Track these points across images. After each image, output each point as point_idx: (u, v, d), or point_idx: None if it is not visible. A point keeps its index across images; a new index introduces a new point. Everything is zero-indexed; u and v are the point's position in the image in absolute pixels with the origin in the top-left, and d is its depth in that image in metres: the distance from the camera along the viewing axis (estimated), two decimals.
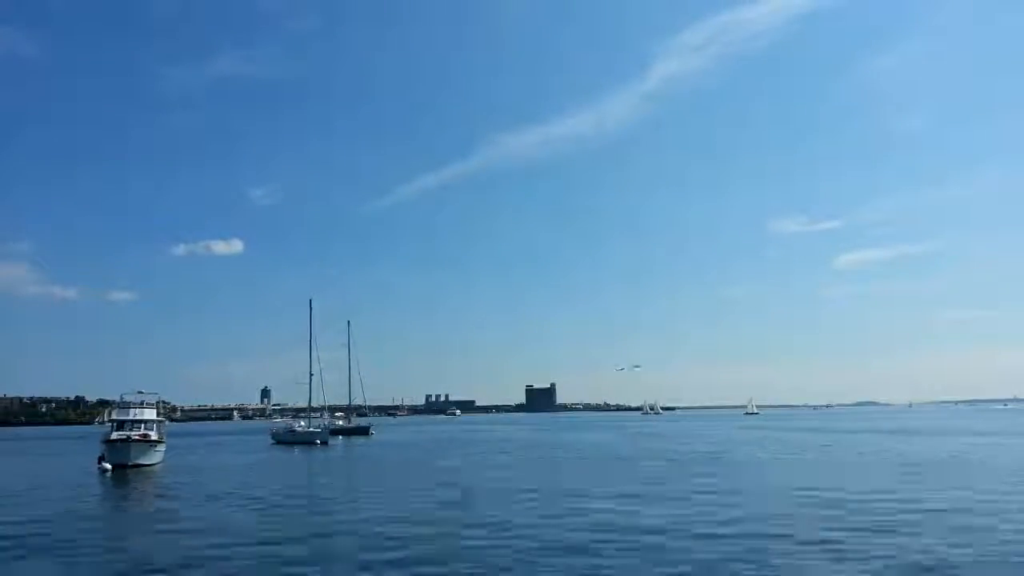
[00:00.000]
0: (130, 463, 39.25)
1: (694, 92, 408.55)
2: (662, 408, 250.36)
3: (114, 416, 46.03)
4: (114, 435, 41.37)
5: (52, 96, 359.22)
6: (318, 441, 65.90)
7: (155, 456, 42.46)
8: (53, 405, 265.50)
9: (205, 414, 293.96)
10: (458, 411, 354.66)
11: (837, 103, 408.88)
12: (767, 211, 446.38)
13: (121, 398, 48.99)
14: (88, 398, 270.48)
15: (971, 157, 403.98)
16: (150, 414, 45.39)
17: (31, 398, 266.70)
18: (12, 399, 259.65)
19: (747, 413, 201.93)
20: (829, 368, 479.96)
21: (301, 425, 74.38)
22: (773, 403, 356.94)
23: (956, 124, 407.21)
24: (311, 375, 75.45)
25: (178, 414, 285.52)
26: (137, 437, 41.19)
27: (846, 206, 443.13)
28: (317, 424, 74.96)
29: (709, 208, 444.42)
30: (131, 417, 44.03)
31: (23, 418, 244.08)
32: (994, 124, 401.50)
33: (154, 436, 42.89)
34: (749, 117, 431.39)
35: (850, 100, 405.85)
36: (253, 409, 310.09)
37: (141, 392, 49.61)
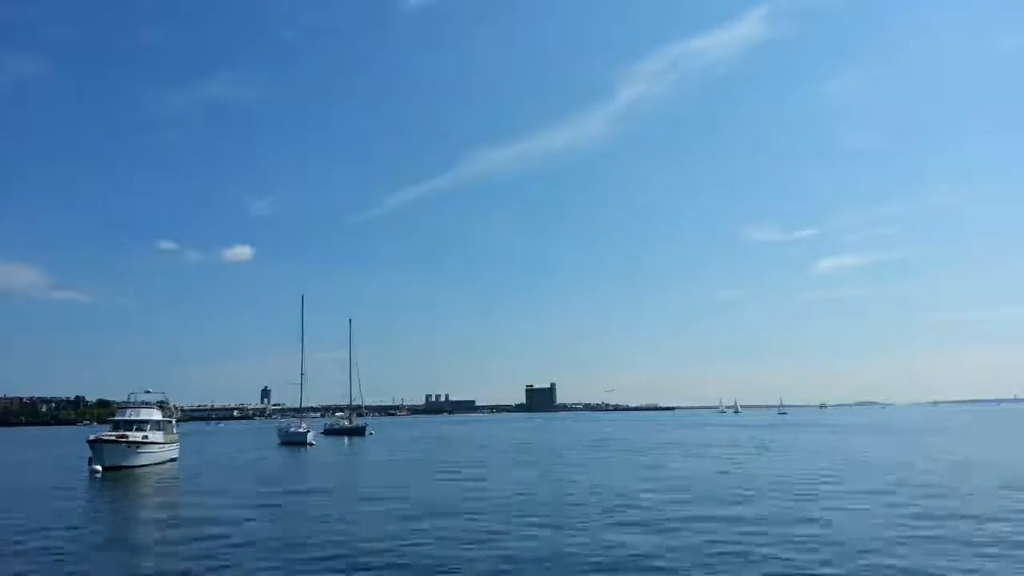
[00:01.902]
0: (105, 465, 38.09)
1: (659, 113, 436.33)
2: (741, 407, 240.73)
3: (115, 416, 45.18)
4: (92, 436, 40.41)
5: (55, 116, 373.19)
6: (312, 442, 66.40)
7: (142, 458, 40.71)
8: (53, 405, 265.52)
9: (205, 414, 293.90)
10: (484, 411, 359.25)
11: (796, 122, 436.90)
12: (744, 221, 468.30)
13: (129, 397, 48.40)
14: (88, 398, 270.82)
15: (923, 171, 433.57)
16: (147, 414, 44.24)
17: (31, 398, 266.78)
18: (12, 399, 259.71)
19: (780, 412, 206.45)
20: (820, 369, 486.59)
21: (303, 427, 74.51)
22: (769, 403, 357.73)
23: (907, 140, 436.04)
24: (302, 374, 75.27)
25: (178, 414, 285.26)
26: (113, 438, 39.83)
27: (818, 216, 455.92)
28: (308, 425, 75.10)
29: (693, 215, 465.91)
30: (126, 417, 43.30)
31: (23, 418, 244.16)
32: (940, 142, 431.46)
33: (139, 437, 41.18)
34: (714, 135, 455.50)
35: (808, 119, 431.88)
36: (253, 409, 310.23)
37: (149, 391, 49.19)
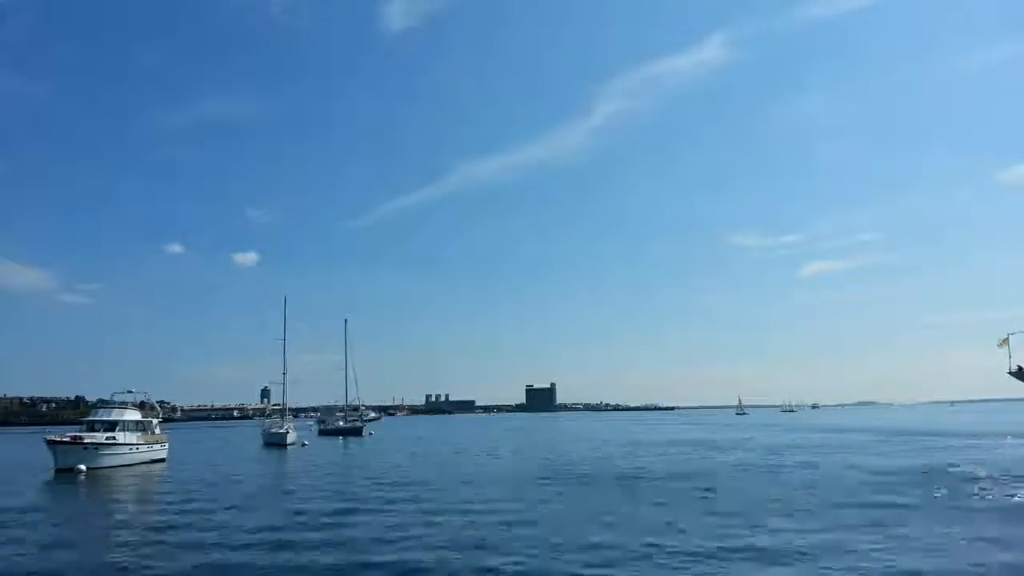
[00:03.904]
0: (59, 467, 37.70)
1: (638, 127, 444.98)
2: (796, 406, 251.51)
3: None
4: (48, 437, 39.97)
5: (63, 130, 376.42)
6: (304, 443, 66.23)
7: (105, 460, 39.87)
8: (53, 405, 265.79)
9: (205, 414, 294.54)
10: (495, 410, 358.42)
11: (770, 134, 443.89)
12: (729, 228, 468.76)
13: (112, 396, 47.76)
14: (88, 398, 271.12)
15: (900, 179, 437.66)
16: (119, 414, 43.44)
17: (31, 398, 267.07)
18: (12, 399, 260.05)
19: (737, 412, 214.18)
20: (823, 370, 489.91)
21: (284, 427, 73.85)
22: (770, 403, 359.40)
23: (881, 150, 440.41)
24: (284, 374, 75.10)
25: (178, 414, 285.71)
26: (67, 439, 39.22)
27: (799, 223, 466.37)
28: (300, 424, 74.40)
29: (681, 222, 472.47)
30: (98, 418, 42.77)
31: (23, 418, 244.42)
32: (914, 150, 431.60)
33: (101, 438, 40.47)
34: (692, 148, 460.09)
35: (782, 132, 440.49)
36: (253, 409, 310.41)
37: (131, 391, 48.58)
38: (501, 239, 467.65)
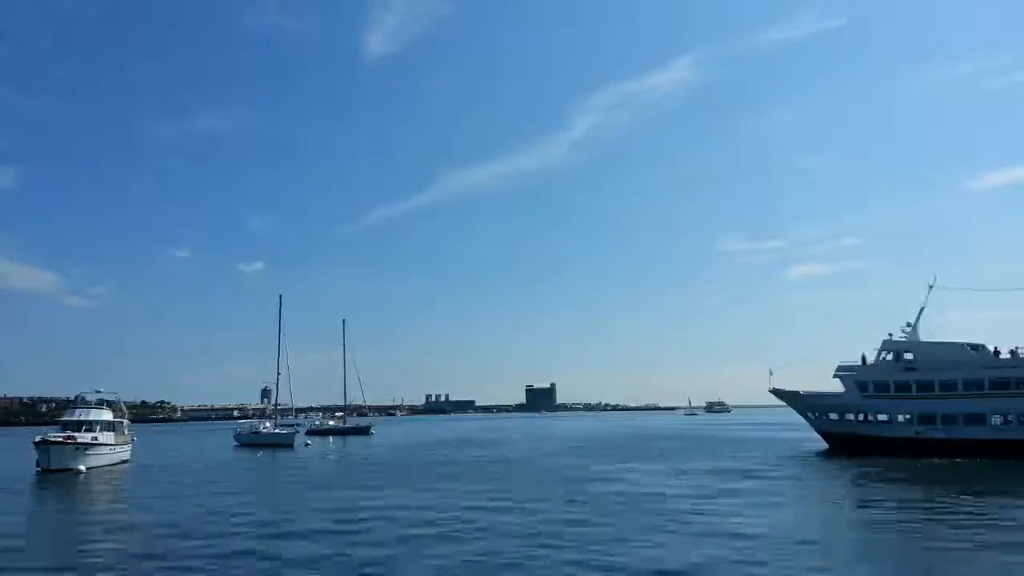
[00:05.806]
0: (50, 467, 37.16)
1: (619, 140, 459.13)
2: None
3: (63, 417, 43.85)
4: (37, 438, 39.33)
5: (65, 140, 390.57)
6: (296, 444, 64.60)
7: (90, 460, 39.49)
8: (53, 405, 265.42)
9: (205, 414, 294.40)
10: (495, 410, 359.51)
11: (748, 145, 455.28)
12: (716, 232, 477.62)
13: (77, 397, 47.26)
14: (89, 398, 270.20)
15: (875, 187, 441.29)
16: (97, 415, 42.99)
17: (31, 398, 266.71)
18: (12, 399, 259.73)
19: (686, 413, 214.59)
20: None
21: (267, 425, 72.25)
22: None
23: (852, 160, 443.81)
24: (279, 374, 74.49)
25: (179, 414, 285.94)
26: (60, 439, 38.70)
27: (782, 229, 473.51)
28: (286, 426, 72.17)
29: (669, 227, 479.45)
30: (75, 418, 41.99)
31: (23, 418, 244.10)
32: (887, 161, 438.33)
33: (88, 438, 40.02)
34: (672, 159, 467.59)
35: (757, 145, 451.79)
36: (253, 409, 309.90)
37: (100, 391, 48.01)
38: (499, 241, 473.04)
